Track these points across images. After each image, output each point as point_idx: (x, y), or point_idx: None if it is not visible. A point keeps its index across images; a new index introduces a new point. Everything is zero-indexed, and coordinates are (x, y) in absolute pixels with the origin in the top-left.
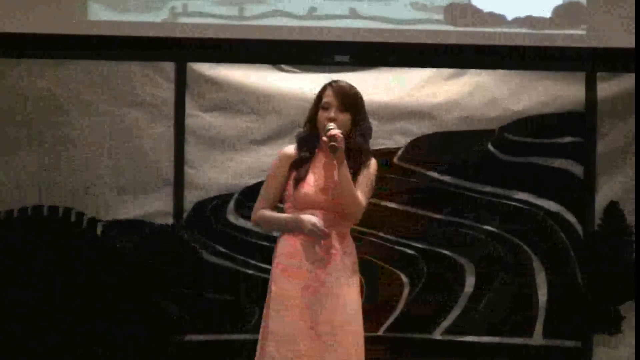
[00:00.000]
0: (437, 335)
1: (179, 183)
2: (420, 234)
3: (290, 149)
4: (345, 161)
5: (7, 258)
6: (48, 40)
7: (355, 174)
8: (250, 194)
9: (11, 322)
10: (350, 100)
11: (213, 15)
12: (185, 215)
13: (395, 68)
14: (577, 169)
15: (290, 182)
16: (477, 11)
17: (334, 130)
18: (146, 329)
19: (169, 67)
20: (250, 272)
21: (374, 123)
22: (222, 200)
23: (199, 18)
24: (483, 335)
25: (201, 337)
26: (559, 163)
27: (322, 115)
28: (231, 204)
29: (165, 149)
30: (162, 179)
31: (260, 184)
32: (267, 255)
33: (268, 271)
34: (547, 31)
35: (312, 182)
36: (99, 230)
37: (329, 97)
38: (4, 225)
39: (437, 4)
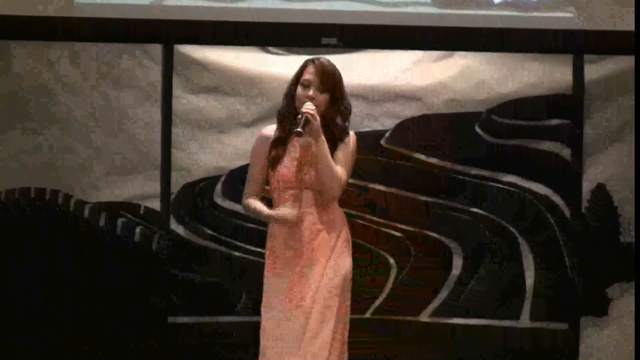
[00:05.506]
0: (424, 317)
1: (166, 165)
2: (407, 216)
3: (269, 129)
4: (322, 137)
5: None
6: (36, 23)
7: (333, 151)
8: (237, 176)
9: None
10: (330, 79)
11: None
12: (172, 197)
13: (383, 50)
14: (565, 152)
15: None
16: None
17: (306, 107)
18: (134, 311)
19: (157, 49)
20: (238, 254)
21: (361, 105)
22: (209, 182)
23: (186, 0)
24: (470, 318)
25: (188, 319)
26: (546, 145)
27: (301, 93)
28: (219, 186)
29: (153, 131)
30: (150, 160)
31: (247, 166)
32: (255, 237)
33: (255, 253)
34: (535, 13)
35: (288, 162)
36: (86, 212)
37: (309, 75)
38: None
39: None
